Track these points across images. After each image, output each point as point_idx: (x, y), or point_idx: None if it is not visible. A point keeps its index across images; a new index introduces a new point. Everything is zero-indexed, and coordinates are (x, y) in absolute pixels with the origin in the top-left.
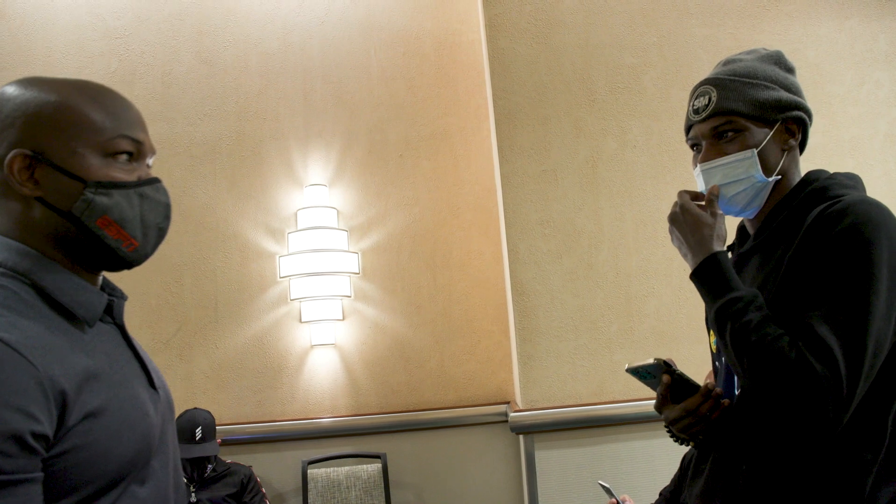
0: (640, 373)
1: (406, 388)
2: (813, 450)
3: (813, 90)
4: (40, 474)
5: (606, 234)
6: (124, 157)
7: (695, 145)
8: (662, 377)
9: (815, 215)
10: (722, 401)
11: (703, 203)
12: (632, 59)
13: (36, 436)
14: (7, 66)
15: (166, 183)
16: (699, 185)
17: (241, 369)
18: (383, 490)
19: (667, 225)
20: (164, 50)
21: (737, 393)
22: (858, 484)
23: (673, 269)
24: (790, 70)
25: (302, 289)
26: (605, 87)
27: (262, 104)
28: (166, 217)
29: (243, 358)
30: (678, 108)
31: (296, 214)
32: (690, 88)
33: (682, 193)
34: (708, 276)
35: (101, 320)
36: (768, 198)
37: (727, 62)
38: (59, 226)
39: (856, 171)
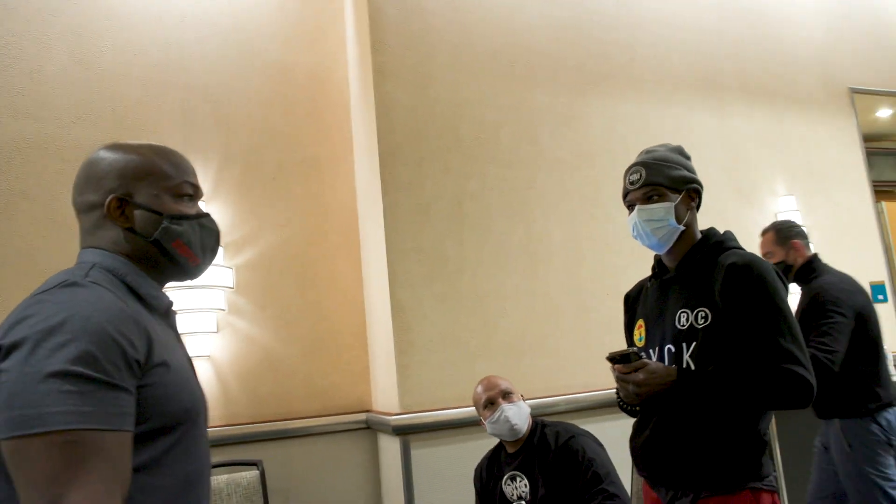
0: (616, 359)
1: (275, 398)
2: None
3: (622, 157)
4: (134, 392)
5: (468, 262)
6: (186, 197)
7: (630, 205)
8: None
9: (729, 264)
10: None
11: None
12: (492, 115)
13: (134, 360)
14: None
15: (34, 186)
16: (631, 225)
17: None
18: (262, 495)
19: (517, 256)
20: (33, 44)
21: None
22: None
23: (521, 294)
24: (688, 157)
25: (177, 301)
26: (469, 136)
27: (141, 115)
28: (217, 241)
29: None
30: (526, 160)
31: None
32: (536, 144)
33: (619, 368)
34: (688, 384)
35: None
36: (680, 242)
37: (648, 152)
38: (144, 247)
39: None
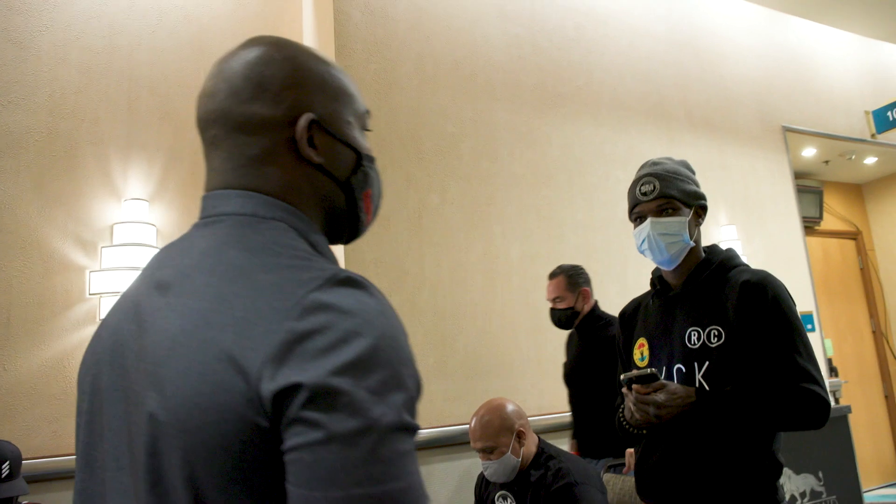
0: (633, 380)
1: None
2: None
3: (578, 178)
4: None
5: (427, 277)
6: (366, 133)
7: (638, 217)
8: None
9: (743, 282)
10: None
11: (646, 387)
12: (453, 127)
13: None
14: None
15: None
16: (641, 239)
17: (35, 395)
18: None
19: (475, 273)
20: None
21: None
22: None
23: (478, 312)
24: (694, 172)
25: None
26: (431, 149)
27: (80, 103)
28: (381, 196)
29: (39, 382)
30: (486, 175)
31: (111, 228)
32: (496, 160)
33: (637, 389)
34: (709, 405)
35: None
36: (686, 259)
37: (655, 163)
38: (331, 194)
39: (605, 242)
